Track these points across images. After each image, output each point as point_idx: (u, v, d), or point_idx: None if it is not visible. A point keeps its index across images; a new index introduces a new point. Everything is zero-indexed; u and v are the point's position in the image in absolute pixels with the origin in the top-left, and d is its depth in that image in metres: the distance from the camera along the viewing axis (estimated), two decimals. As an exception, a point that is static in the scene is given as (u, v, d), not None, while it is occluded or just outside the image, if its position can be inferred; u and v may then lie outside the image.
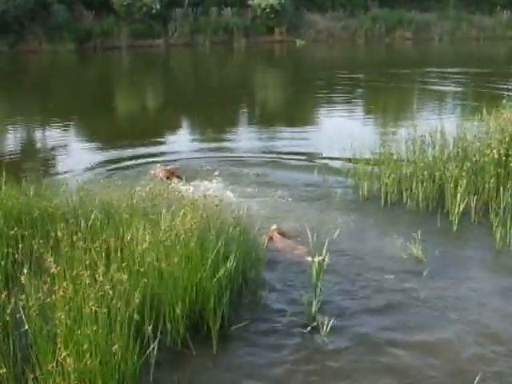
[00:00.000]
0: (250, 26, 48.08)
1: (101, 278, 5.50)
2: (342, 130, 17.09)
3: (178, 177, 12.14)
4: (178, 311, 6.27)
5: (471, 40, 52.28)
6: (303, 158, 14.49)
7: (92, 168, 13.45)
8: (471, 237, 9.45)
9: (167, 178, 12.02)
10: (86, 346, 5.07)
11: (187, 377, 5.97)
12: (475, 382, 5.63)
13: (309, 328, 6.62)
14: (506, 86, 25.22)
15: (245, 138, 17.40)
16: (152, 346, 5.84)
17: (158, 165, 12.80)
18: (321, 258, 6.73)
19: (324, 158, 14.25)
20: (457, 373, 6.01)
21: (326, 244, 6.87)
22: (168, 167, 12.46)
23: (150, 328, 5.94)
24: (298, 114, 21.84)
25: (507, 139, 11.00)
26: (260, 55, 44.88)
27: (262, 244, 7.91)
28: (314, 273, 6.78)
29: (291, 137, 17.33)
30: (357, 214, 10.28)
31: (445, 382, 5.89)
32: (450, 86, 27.83)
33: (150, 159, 14.23)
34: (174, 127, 19.67)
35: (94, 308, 5.21)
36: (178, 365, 6.14)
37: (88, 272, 5.60)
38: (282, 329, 6.74)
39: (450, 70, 32.65)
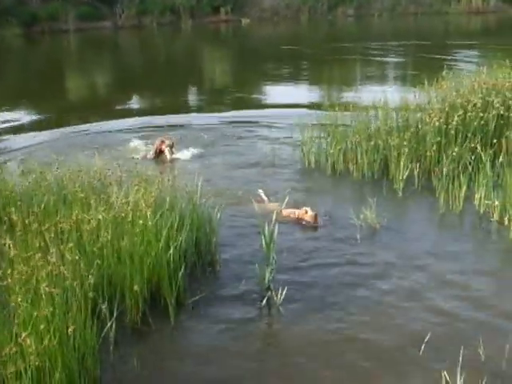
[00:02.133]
0: (196, 7, 47.57)
1: (54, 259, 5.35)
2: (288, 102, 17.12)
3: (171, 149, 11.91)
4: (135, 287, 6.15)
5: (409, 15, 52.63)
6: (251, 128, 14.53)
7: (44, 147, 13.12)
8: (416, 202, 9.54)
9: (160, 151, 11.91)
10: (43, 327, 4.93)
11: (147, 351, 5.89)
12: (424, 341, 5.67)
13: (263, 298, 6.57)
14: (444, 57, 25.46)
15: (192, 111, 17.31)
16: (109, 324, 5.73)
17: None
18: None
19: (272, 129, 14.30)
20: (405, 334, 6.04)
21: (275, 212, 6.84)
22: (166, 140, 12.06)
23: (105, 306, 5.83)
24: (245, 88, 21.76)
25: (447, 108, 11.08)
26: (206, 35, 44.52)
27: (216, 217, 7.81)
28: (266, 244, 6.72)
29: (239, 108, 17.27)
30: (305, 183, 10.30)
31: (394, 344, 5.90)
32: (391, 57, 28.02)
33: (104, 133, 14.28)
34: (123, 102, 19.39)
35: (48, 289, 5.06)
36: (137, 340, 6.06)
37: (41, 254, 5.45)
38: (238, 299, 6.69)
39: (390, 43, 32.87)
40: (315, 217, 8.50)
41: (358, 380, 5.39)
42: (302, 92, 20.10)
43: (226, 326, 6.22)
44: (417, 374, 5.42)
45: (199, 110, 17.84)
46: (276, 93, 20.31)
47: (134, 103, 19.55)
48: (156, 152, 11.97)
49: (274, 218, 6.76)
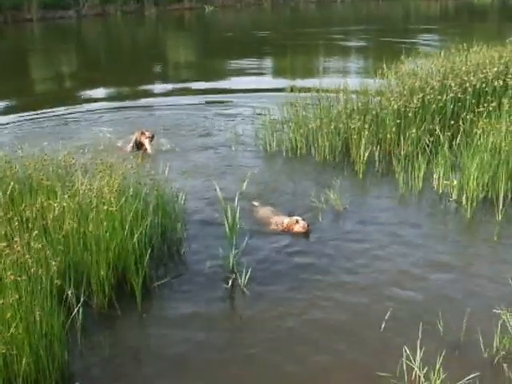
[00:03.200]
0: (160, -6, 47.16)
1: (18, 247, 5.31)
2: (252, 87, 17.13)
3: (151, 141, 11.33)
4: (101, 273, 6.15)
5: (371, 1, 52.80)
6: (214, 112, 14.62)
7: (6, 134, 13.01)
8: (376, 183, 9.67)
9: (140, 143, 11.32)
10: (9, 315, 4.90)
11: (114, 336, 5.90)
12: (385, 318, 5.76)
13: (228, 280, 6.61)
14: (404, 41, 25.65)
15: (157, 94, 17.25)
16: (76, 310, 5.71)
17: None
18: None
19: (235, 112, 14.36)
20: (367, 312, 6.13)
21: (238, 193, 6.88)
22: (146, 132, 11.39)
23: (70, 291, 5.78)
24: (209, 73, 21.70)
25: (406, 92, 11.19)
26: (171, 22, 44.18)
27: (181, 202, 7.81)
28: (229, 227, 6.75)
29: (204, 91, 17.26)
30: (267, 166, 10.34)
31: (357, 322, 5.99)
32: (353, 42, 28.14)
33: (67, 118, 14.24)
34: (87, 89, 19.28)
35: (14, 277, 5.03)
36: (104, 325, 6.05)
37: (6, 242, 5.41)
38: (203, 282, 6.72)
39: (352, 28, 33.03)
40: (307, 227, 7.85)
41: (321, 357, 5.45)
42: (265, 77, 20.12)
43: (192, 308, 6.25)
44: (379, 351, 5.50)
45: (164, 94, 17.71)
46: (240, 78, 20.23)
47: (98, 90, 19.30)
48: (135, 144, 11.34)
49: (236, 200, 6.78)
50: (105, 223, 6.30)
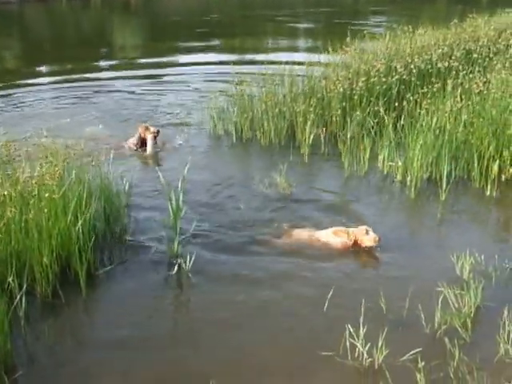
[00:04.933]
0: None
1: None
2: (198, 71, 17.15)
3: (155, 138, 10.41)
4: (44, 260, 6.14)
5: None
6: (161, 94, 14.67)
7: None
8: (323, 166, 9.84)
9: (142, 140, 10.38)
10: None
11: (58, 324, 5.91)
12: (327, 297, 5.92)
13: (173, 265, 6.65)
14: (352, 22, 25.92)
15: (102, 78, 17.15)
16: (18, 298, 5.70)
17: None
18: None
19: (181, 95, 14.40)
20: (311, 293, 6.27)
21: (181, 179, 6.94)
22: (151, 127, 10.51)
23: (11, 280, 5.77)
24: (155, 56, 21.51)
25: (351, 75, 11.38)
26: (116, 7, 43.60)
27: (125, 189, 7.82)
28: (173, 212, 6.81)
29: (150, 76, 17.19)
30: (212, 151, 10.41)
31: (301, 303, 6.13)
32: (301, 24, 28.28)
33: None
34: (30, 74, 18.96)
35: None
36: (48, 313, 6.03)
37: None
38: (148, 268, 6.76)
39: (301, 10, 33.13)
40: (378, 240, 7.05)
41: (265, 339, 5.58)
42: (212, 60, 19.95)
43: (137, 294, 6.30)
44: (322, 330, 5.65)
45: (109, 78, 17.51)
46: (187, 60, 20.15)
47: (42, 74, 19.03)
48: (139, 141, 10.38)
49: (179, 185, 6.85)
50: (46, 210, 6.29)
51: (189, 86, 15.27)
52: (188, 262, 6.55)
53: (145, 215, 7.98)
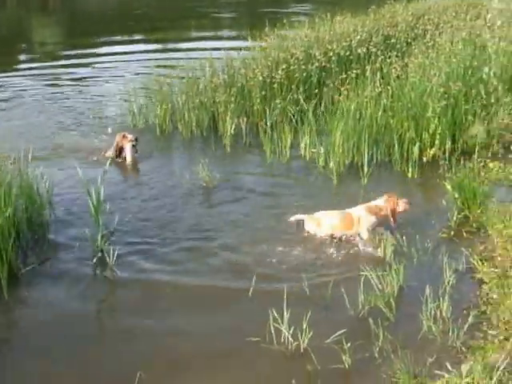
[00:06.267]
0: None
1: None
2: (119, 64, 16.97)
3: (134, 146, 9.65)
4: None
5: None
6: (79, 87, 14.57)
7: None
8: (245, 155, 9.91)
9: (120, 148, 9.64)
10: None
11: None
12: (252, 284, 5.94)
13: (96, 260, 6.59)
14: (274, 10, 26.06)
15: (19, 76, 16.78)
16: None
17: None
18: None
19: (100, 88, 14.27)
20: (232, 278, 6.33)
21: (101, 174, 6.84)
22: (128, 135, 9.70)
23: None
24: (75, 50, 21.10)
25: (270, 63, 11.46)
26: (33, 5, 42.55)
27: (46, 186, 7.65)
28: (94, 206, 6.74)
29: (68, 67, 16.96)
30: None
31: (224, 289, 6.17)
32: (222, 14, 28.26)
33: None
34: None
35: None
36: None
37: None
38: (72, 265, 6.67)
39: (222, 0, 33.10)
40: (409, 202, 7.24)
41: (189, 329, 5.59)
42: (132, 53, 19.71)
43: (60, 291, 6.22)
44: (247, 314, 5.73)
45: (26, 76, 17.11)
46: (107, 53, 19.84)
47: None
48: (116, 150, 9.72)
49: (100, 180, 6.76)
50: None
51: (108, 80, 15.10)
52: (112, 256, 6.48)
53: (67, 211, 7.89)
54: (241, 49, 13.05)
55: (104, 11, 34.96)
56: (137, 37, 24.40)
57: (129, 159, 9.54)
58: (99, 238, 6.74)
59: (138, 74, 14.78)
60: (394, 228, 7.09)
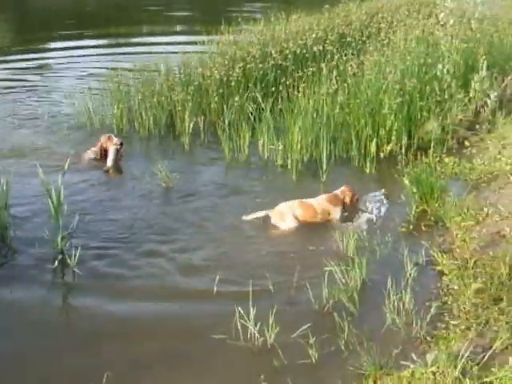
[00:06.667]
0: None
1: None
2: (71, 61, 16.77)
3: (119, 151, 9.35)
4: None
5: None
6: (32, 88, 14.24)
7: None
8: (203, 154, 9.90)
9: (104, 150, 9.35)
10: None
11: None
12: (216, 279, 5.96)
13: (57, 261, 6.48)
14: (225, 8, 26.04)
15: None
16: None
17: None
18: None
19: (53, 90, 14.00)
20: (199, 275, 6.34)
21: (60, 175, 6.80)
22: (114, 138, 9.45)
23: None
24: (24, 49, 20.75)
25: (227, 62, 11.47)
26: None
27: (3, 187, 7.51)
28: (54, 207, 6.65)
29: (20, 68, 16.66)
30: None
31: (189, 284, 6.21)
32: (177, 12, 28.14)
33: None
34: None
35: None
36: None
37: None
38: (32, 267, 6.57)
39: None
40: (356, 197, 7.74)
41: (153, 328, 5.57)
42: (85, 51, 19.42)
43: (21, 294, 6.11)
44: (212, 313, 5.71)
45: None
46: (60, 50, 19.63)
47: None
48: (100, 151, 9.44)
49: (60, 180, 6.68)
50: None
51: (62, 78, 14.91)
52: (73, 256, 6.40)
53: (27, 213, 7.75)
54: (197, 46, 13.04)
55: (56, 9, 34.49)
56: (91, 35, 24.02)
57: (109, 163, 9.17)
58: (59, 239, 6.65)
59: (92, 72, 14.64)
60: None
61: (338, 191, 7.68)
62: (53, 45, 21.65)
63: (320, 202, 7.56)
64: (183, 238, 7.22)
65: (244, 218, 7.41)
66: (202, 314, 5.74)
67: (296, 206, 7.44)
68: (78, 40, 21.92)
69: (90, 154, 9.47)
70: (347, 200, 7.61)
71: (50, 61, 17.78)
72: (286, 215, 7.35)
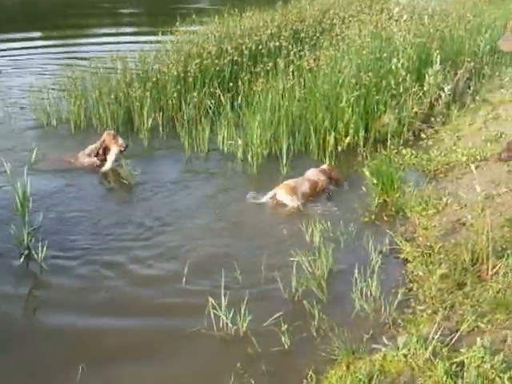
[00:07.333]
0: None
1: None
2: (28, 63, 16.49)
3: (121, 152, 8.97)
4: None
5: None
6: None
7: None
8: (163, 150, 9.88)
9: (104, 149, 9.03)
10: None
11: None
12: (184, 273, 5.99)
13: (24, 258, 6.43)
14: (177, 5, 25.91)
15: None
16: None
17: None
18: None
19: (12, 85, 13.74)
20: (167, 268, 6.37)
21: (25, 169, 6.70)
22: (119, 138, 9.10)
23: None
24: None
25: (183, 58, 11.50)
26: None
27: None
28: (20, 203, 6.58)
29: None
30: (48, 142, 9.99)
31: (159, 278, 6.22)
32: (127, 9, 27.96)
33: None
34: None
35: None
36: None
37: None
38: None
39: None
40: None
41: (125, 323, 5.57)
42: (38, 49, 18.94)
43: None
44: (183, 305, 5.75)
45: None
46: (10, 49, 19.03)
47: None
48: (100, 148, 9.06)
49: (25, 174, 6.61)
50: None
51: (15, 75, 14.61)
52: (40, 252, 6.33)
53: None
54: (152, 43, 13.02)
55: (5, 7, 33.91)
56: (42, 32, 23.67)
57: (109, 164, 8.88)
58: (25, 233, 6.59)
59: (47, 69, 14.46)
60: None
61: (324, 166, 8.46)
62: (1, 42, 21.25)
63: (318, 176, 8.22)
64: (146, 233, 7.21)
65: (256, 201, 7.85)
66: (172, 307, 5.76)
67: (302, 183, 8.04)
68: (27, 38, 21.50)
69: (87, 150, 9.15)
70: (333, 174, 8.41)
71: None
72: (297, 189, 7.88)
